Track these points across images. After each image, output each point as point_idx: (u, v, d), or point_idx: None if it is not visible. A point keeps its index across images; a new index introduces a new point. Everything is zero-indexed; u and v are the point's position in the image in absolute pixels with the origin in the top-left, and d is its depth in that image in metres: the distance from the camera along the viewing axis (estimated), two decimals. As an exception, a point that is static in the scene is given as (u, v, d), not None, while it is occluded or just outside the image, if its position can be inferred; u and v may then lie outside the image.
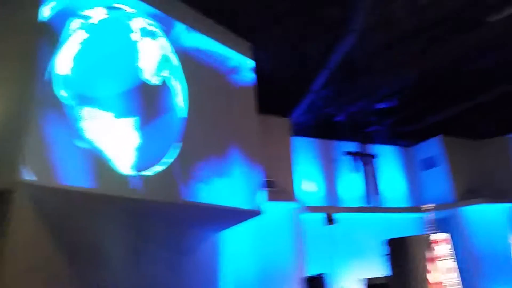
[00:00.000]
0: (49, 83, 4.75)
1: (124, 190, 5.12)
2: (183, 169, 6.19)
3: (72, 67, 5.12)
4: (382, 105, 11.77)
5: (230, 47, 8.02)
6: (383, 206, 12.28)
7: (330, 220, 9.39)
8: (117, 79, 5.63)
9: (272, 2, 8.19)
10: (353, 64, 10.43)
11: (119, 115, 5.47)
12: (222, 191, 6.75)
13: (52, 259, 4.49)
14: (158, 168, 5.76)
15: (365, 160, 12.62)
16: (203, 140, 6.78)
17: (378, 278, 8.94)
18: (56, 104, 4.74)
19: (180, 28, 6.97)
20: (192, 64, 7.01)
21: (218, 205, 6.58)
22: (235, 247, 8.36)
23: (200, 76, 7.08)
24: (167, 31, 6.68)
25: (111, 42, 5.73)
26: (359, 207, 11.76)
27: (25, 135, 4.29)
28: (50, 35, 4.93)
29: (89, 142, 4.98)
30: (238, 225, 7.84)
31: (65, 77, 5.01)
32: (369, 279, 9.23)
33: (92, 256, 4.97)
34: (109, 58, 5.60)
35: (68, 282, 4.64)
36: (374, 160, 12.80)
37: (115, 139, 5.31)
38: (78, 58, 5.23)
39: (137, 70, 5.96)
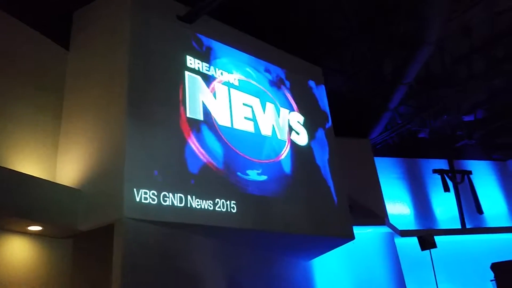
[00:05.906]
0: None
1: (213, 219, 5.27)
2: (272, 197, 6.19)
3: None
4: (470, 118, 10.98)
5: (302, 75, 8.04)
6: (484, 227, 11.20)
7: (427, 244, 8.64)
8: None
9: (337, 25, 8.21)
10: (432, 77, 9.98)
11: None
12: (309, 219, 6.61)
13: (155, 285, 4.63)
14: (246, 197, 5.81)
15: (458, 177, 11.71)
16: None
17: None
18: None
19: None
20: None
21: (307, 233, 6.45)
22: (328, 275, 8.04)
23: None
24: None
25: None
26: (459, 229, 10.87)
27: (126, 176, 4.67)
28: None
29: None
30: (329, 252, 7.58)
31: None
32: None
33: (187, 283, 5.04)
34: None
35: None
36: (468, 177, 11.84)
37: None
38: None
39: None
